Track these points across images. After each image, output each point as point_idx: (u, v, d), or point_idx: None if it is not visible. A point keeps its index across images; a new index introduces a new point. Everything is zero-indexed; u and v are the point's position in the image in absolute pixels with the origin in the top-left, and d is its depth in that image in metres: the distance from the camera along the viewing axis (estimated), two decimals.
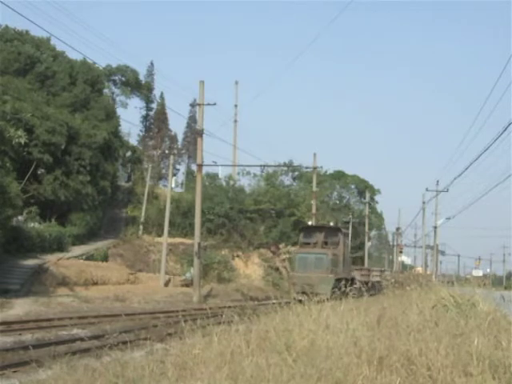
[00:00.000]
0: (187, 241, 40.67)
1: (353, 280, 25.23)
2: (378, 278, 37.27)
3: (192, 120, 73.90)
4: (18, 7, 28.37)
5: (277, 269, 44.79)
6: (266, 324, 8.51)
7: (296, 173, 65.20)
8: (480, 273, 74.95)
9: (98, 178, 38.08)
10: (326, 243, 28.74)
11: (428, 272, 48.57)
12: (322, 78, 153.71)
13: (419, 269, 54.86)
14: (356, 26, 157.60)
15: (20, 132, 21.92)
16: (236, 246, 45.71)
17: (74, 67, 41.68)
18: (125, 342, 9.41)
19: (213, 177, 55.60)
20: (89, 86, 41.63)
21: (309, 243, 28.94)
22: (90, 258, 33.27)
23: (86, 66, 42.10)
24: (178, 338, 8.91)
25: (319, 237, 28.89)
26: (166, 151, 61.20)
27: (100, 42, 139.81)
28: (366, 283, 30.62)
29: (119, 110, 53.89)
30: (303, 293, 20.03)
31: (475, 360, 6.08)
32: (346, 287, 20.05)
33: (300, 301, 17.52)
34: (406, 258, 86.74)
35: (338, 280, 23.00)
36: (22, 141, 22.22)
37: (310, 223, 34.35)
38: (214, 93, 42.73)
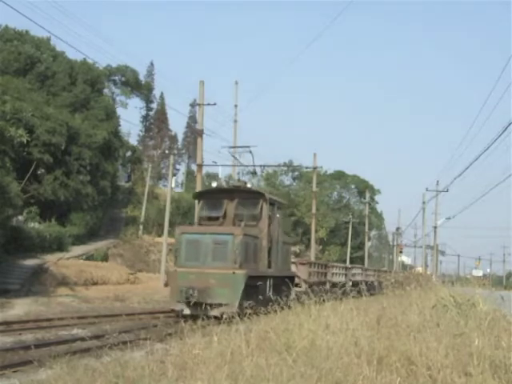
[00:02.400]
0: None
1: (292, 279, 19.53)
2: (359, 278, 32.73)
3: (192, 120, 73.95)
4: (19, 7, 28.40)
5: None
6: (266, 324, 8.52)
7: (296, 173, 65.30)
8: (480, 273, 74.94)
9: (98, 178, 38.09)
10: (239, 217, 17.51)
11: (428, 272, 48.53)
12: (322, 77, 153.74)
13: (419, 269, 54.77)
14: (356, 26, 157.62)
15: (21, 131, 21.92)
16: None
17: (73, 67, 41.65)
18: (125, 342, 9.41)
19: (213, 177, 55.62)
20: (89, 86, 41.62)
21: (212, 217, 17.98)
22: (89, 258, 33.30)
23: (86, 66, 42.08)
24: (178, 337, 8.91)
25: (229, 207, 17.65)
26: (166, 151, 61.24)
27: (100, 42, 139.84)
28: (344, 285, 24.88)
29: (119, 110, 53.89)
30: (190, 303, 15.19)
31: (475, 360, 6.09)
32: (277, 292, 16.19)
33: (185, 316, 14.19)
34: (406, 258, 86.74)
35: (257, 280, 16.05)
36: (24, 140, 22.23)
37: (214, 185, 19.34)
38: (214, 93, 42.73)
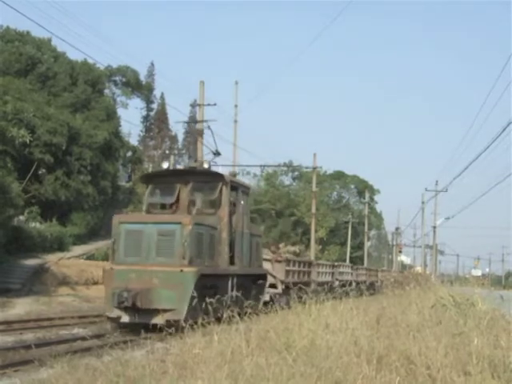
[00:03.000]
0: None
1: (263, 278, 17.21)
2: (348, 277, 30.23)
3: (192, 120, 73.90)
4: (19, 7, 28.41)
5: None
6: (266, 323, 8.55)
7: (296, 173, 65.26)
8: (479, 272, 74.90)
9: (98, 178, 38.13)
10: (195, 204, 14.71)
11: (427, 272, 48.57)
12: (322, 77, 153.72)
13: (418, 268, 54.82)
14: (356, 26, 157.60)
15: (23, 131, 21.97)
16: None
17: (74, 68, 41.69)
18: (125, 342, 9.45)
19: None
20: (89, 87, 41.66)
21: (162, 205, 15.58)
22: (90, 257, 33.29)
23: (87, 67, 42.13)
24: (179, 337, 8.95)
25: (183, 192, 14.90)
26: (167, 151, 61.29)
27: (100, 42, 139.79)
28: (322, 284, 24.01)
29: (120, 111, 53.92)
30: (126, 308, 12.47)
31: (474, 359, 6.12)
32: (244, 294, 13.81)
33: (124, 325, 12.52)
34: (405, 258, 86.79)
35: (214, 279, 13.75)
36: (27, 140, 22.27)
37: (164, 166, 16.70)
38: (214, 93, 42.74)
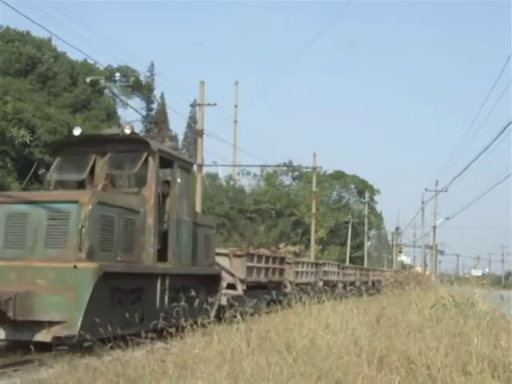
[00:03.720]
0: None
1: (216, 279, 13.90)
2: (334, 277, 27.05)
3: (192, 120, 73.96)
4: (19, 8, 28.41)
5: None
6: (266, 323, 8.56)
7: (296, 173, 65.30)
8: (479, 272, 74.94)
9: None
10: (113, 181, 11.99)
11: (427, 272, 48.60)
12: (322, 78, 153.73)
13: (418, 268, 54.87)
14: (356, 26, 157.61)
15: (24, 131, 21.97)
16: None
17: (74, 68, 41.76)
18: (125, 341, 9.42)
19: (213, 177, 55.68)
20: (90, 87, 41.72)
21: (72, 182, 12.25)
22: None
23: (87, 67, 42.18)
24: (179, 336, 8.94)
25: (99, 166, 11.66)
26: None
27: (100, 42, 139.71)
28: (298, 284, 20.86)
29: (120, 111, 53.96)
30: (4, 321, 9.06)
31: (474, 359, 6.12)
32: (186, 300, 10.49)
33: None
34: (405, 258, 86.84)
35: (134, 280, 10.54)
36: (27, 140, 22.26)
37: (76, 132, 11.58)
38: (214, 93, 42.80)
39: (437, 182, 52.02)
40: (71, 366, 7.08)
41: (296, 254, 31.66)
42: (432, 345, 6.55)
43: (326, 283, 24.32)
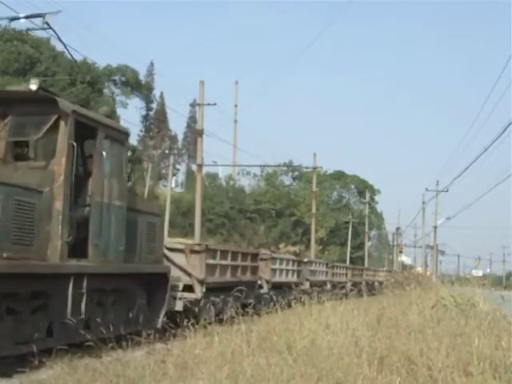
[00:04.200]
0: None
1: (164, 278, 11.25)
2: (322, 277, 25.31)
3: (192, 120, 73.98)
4: (19, 8, 28.36)
5: None
6: (266, 324, 8.54)
7: (296, 173, 65.36)
8: (480, 273, 74.92)
9: None
10: (15, 150, 9.23)
11: (428, 272, 48.60)
12: (322, 78, 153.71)
13: (419, 269, 54.87)
14: (356, 26, 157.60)
15: None
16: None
17: (73, 67, 41.77)
18: (126, 341, 9.39)
19: (213, 177, 55.72)
20: (89, 86, 41.72)
21: None
22: None
23: (86, 66, 42.18)
24: (179, 337, 8.93)
25: None
26: (166, 151, 61.27)
27: (100, 42, 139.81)
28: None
29: (119, 110, 53.97)
30: None
31: (476, 360, 6.10)
32: (121, 308, 9.11)
33: None
34: (405, 258, 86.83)
35: (32, 282, 8.09)
36: None
37: None
38: (214, 93, 42.78)
39: (437, 181, 51.99)
40: (71, 367, 7.07)
41: (296, 254, 31.53)
42: (433, 345, 6.53)
43: (313, 284, 21.72)
